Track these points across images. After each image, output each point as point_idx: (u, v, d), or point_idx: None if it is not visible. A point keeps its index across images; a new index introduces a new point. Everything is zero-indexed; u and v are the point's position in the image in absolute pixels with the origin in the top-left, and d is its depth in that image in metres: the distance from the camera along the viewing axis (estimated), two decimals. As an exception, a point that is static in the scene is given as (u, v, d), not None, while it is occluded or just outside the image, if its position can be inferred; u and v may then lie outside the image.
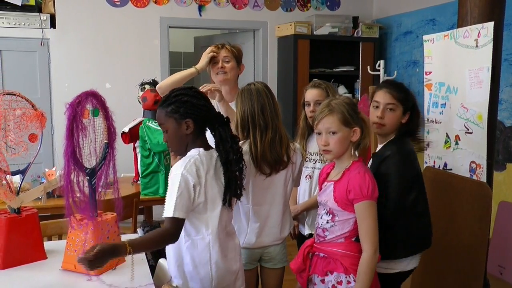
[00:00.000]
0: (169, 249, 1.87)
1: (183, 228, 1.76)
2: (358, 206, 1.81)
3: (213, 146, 1.87)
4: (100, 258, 1.56)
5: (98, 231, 1.80)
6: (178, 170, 1.74)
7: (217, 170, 1.83)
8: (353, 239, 1.86)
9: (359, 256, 1.83)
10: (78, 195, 1.75)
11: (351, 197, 1.82)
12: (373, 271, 1.80)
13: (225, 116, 1.89)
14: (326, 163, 2.38)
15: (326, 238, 1.90)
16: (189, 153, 1.81)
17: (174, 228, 1.72)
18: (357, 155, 1.96)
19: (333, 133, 1.85)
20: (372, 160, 2.11)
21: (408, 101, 2.08)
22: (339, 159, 1.91)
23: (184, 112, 1.78)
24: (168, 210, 1.70)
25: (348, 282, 1.83)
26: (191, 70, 2.58)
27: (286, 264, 2.26)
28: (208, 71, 2.67)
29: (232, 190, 1.84)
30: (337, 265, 1.86)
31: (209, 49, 2.60)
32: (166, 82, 2.58)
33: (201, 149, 1.81)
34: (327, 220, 1.89)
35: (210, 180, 1.79)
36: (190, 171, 1.73)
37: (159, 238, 1.74)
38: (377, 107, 2.08)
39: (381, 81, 4.66)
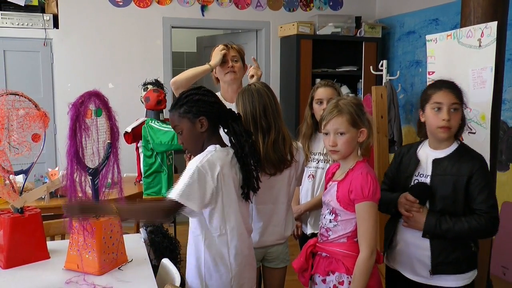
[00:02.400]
0: (190, 251, 1.88)
1: (201, 225, 1.79)
2: (359, 207, 1.80)
3: (228, 144, 1.89)
4: (82, 209, 1.72)
5: (100, 230, 1.81)
6: (194, 163, 1.75)
7: (233, 167, 1.85)
8: (355, 240, 1.85)
9: None
10: (80, 195, 1.76)
11: (352, 197, 1.81)
12: (369, 273, 1.79)
13: (236, 112, 1.93)
14: (330, 163, 2.38)
15: (329, 238, 1.90)
16: (206, 150, 1.83)
17: (170, 208, 1.71)
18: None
19: (341, 134, 1.85)
20: (443, 173, 1.93)
21: (463, 100, 1.96)
22: (345, 160, 1.90)
23: (197, 110, 1.81)
24: (173, 192, 1.70)
25: (350, 283, 1.82)
26: (205, 66, 2.59)
27: (288, 264, 2.26)
28: (215, 80, 2.68)
29: (250, 184, 1.87)
30: (339, 265, 1.86)
31: (220, 46, 2.60)
32: (181, 77, 2.58)
33: (218, 146, 1.84)
34: (330, 220, 1.89)
35: (226, 176, 1.80)
36: (204, 165, 1.75)
37: (151, 211, 1.77)
38: (439, 109, 1.91)
39: (384, 81, 4.65)
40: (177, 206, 1.70)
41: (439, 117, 1.90)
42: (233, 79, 2.58)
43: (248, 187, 1.87)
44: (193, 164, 1.76)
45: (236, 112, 1.93)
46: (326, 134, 1.89)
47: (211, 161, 1.77)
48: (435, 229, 1.89)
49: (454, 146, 1.97)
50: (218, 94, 2.61)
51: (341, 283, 1.84)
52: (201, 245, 1.82)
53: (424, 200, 1.95)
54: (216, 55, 2.58)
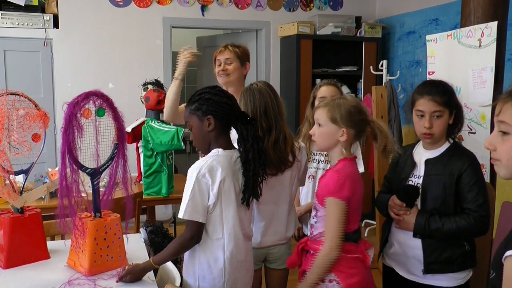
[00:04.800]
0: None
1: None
2: (325, 202, 1.80)
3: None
4: (134, 280, 1.75)
5: (92, 231, 1.79)
6: (194, 173, 1.78)
7: (237, 170, 1.85)
8: None
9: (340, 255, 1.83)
10: (74, 194, 1.75)
11: (321, 193, 1.82)
12: (324, 269, 1.77)
13: (250, 116, 1.92)
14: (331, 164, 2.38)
15: (312, 235, 1.90)
16: (208, 154, 1.84)
17: (190, 231, 1.77)
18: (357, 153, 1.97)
19: (319, 125, 1.86)
20: (434, 173, 1.95)
21: (452, 100, 1.94)
22: (331, 157, 1.91)
23: (206, 109, 1.81)
24: (180, 211, 1.76)
25: (330, 281, 1.81)
26: (175, 82, 2.59)
27: (290, 264, 2.26)
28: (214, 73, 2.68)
29: (250, 190, 1.86)
30: None
31: (186, 53, 2.59)
32: (166, 109, 2.65)
33: (220, 149, 1.83)
34: (313, 216, 1.89)
35: (227, 181, 1.80)
36: (204, 174, 1.76)
37: (179, 246, 1.82)
38: (422, 116, 1.93)
39: (384, 81, 4.65)
40: (195, 225, 1.76)
41: (421, 124, 1.93)
42: (226, 82, 2.57)
43: (248, 193, 1.86)
44: (193, 172, 1.78)
45: (250, 116, 1.92)
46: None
47: (212, 167, 1.78)
48: (424, 230, 1.90)
49: (445, 146, 1.98)
50: None
51: (323, 280, 1.82)
52: (197, 246, 1.82)
53: (411, 202, 1.95)
54: (179, 64, 2.58)
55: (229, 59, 2.59)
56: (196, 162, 1.82)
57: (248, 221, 1.95)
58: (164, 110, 2.69)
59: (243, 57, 2.64)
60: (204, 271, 1.82)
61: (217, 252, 1.81)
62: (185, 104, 2.63)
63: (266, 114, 2.05)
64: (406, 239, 1.98)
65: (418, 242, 1.95)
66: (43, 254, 1.96)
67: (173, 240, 1.87)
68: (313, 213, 1.91)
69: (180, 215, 1.76)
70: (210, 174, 1.77)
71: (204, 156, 1.88)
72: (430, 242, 1.93)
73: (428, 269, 1.93)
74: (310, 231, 1.93)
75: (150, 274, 1.81)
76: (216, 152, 1.83)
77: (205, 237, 1.81)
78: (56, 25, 4.64)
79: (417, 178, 1.98)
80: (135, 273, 1.76)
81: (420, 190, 1.95)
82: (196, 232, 1.77)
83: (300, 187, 2.49)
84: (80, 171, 1.76)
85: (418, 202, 1.96)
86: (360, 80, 5.28)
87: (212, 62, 2.71)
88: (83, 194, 1.79)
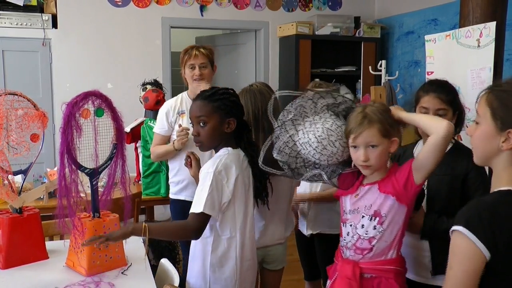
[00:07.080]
0: (196, 250, 1.87)
1: (211, 227, 1.80)
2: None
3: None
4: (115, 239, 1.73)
5: (91, 231, 1.79)
6: (210, 169, 1.77)
7: (245, 170, 1.87)
8: (400, 253, 1.72)
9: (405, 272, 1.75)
10: (73, 194, 1.75)
11: (406, 169, 1.67)
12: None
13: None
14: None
15: (372, 250, 1.69)
16: (218, 153, 1.86)
17: (198, 224, 1.74)
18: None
19: (373, 146, 1.64)
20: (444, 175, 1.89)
21: (456, 101, 1.93)
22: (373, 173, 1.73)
23: (230, 110, 1.83)
24: (198, 206, 1.72)
25: None
26: (171, 148, 2.57)
27: (285, 265, 2.26)
28: (185, 80, 2.66)
29: (262, 190, 1.91)
30: (391, 284, 1.69)
31: (182, 133, 2.51)
32: (156, 157, 2.75)
33: (230, 148, 1.85)
34: (375, 226, 1.68)
35: (240, 178, 1.82)
36: (220, 171, 1.77)
37: (180, 231, 1.81)
38: (426, 113, 1.90)
39: (382, 81, 4.65)
40: (204, 219, 1.74)
41: None
42: (200, 87, 2.56)
43: (260, 193, 1.91)
44: (209, 170, 1.77)
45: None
46: (355, 147, 1.67)
47: (226, 165, 1.79)
48: (433, 232, 1.87)
49: (449, 146, 1.92)
50: (185, 93, 2.65)
51: None
52: (209, 247, 1.82)
53: (418, 205, 1.91)
54: (177, 141, 2.52)
55: (203, 63, 2.58)
56: (209, 161, 1.83)
57: (254, 220, 1.97)
58: (153, 156, 2.76)
59: (212, 59, 2.65)
60: (216, 272, 1.82)
61: (229, 252, 1.82)
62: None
63: (267, 114, 2.05)
64: (413, 241, 1.93)
65: (425, 244, 1.91)
66: (42, 254, 1.96)
67: (174, 222, 1.84)
68: (372, 222, 1.68)
69: (199, 209, 1.70)
70: (225, 172, 1.78)
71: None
72: (437, 243, 1.90)
73: (437, 270, 1.89)
74: (367, 246, 1.69)
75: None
76: (226, 151, 1.84)
77: (216, 237, 1.81)
78: (54, 25, 4.63)
79: None
80: (119, 235, 1.72)
81: (426, 191, 1.94)
82: (204, 226, 1.74)
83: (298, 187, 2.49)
84: (79, 171, 1.77)
85: (424, 202, 1.93)
86: (359, 80, 5.28)
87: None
88: (82, 194, 1.79)
